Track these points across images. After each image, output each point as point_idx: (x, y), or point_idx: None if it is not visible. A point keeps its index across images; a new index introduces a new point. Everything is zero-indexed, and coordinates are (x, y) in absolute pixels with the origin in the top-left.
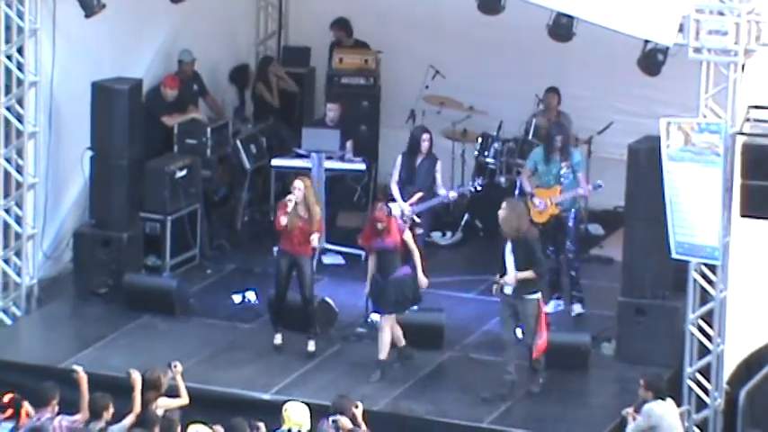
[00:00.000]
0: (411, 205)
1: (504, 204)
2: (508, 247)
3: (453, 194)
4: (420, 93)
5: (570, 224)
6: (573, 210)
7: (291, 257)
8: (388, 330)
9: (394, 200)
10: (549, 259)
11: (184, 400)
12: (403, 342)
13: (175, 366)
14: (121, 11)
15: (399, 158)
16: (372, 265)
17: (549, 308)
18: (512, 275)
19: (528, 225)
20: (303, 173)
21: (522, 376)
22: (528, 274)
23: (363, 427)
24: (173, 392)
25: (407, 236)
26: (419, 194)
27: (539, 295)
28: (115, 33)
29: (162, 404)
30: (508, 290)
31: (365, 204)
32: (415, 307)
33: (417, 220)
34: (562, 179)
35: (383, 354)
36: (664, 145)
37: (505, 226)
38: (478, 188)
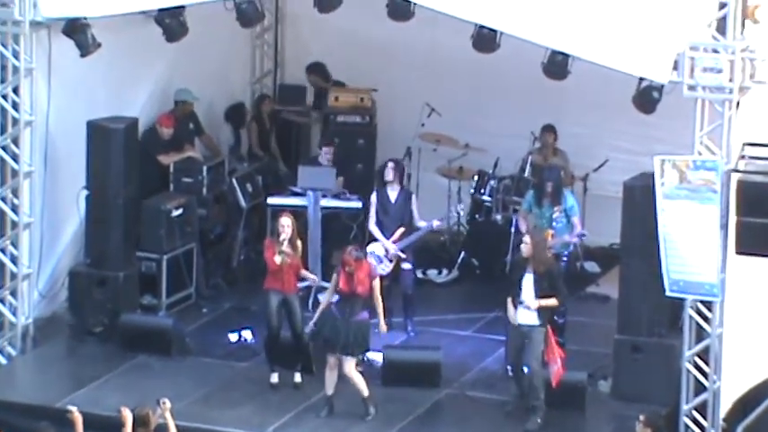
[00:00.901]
0: (394, 242)
1: (527, 239)
2: (528, 277)
3: (437, 223)
4: (416, 130)
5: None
6: (565, 253)
7: (281, 295)
8: (353, 375)
9: (376, 240)
10: None
11: None
12: (366, 392)
13: (164, 403)
14: (117, 50)
15: (373, 196)
16: (328, 301)
17: None
18: (534, 301)
19: (552, 256)
20: (286, 210)
21: (519, 412)
22: (551, 301)
23: None
24: (162, 430)
25: (376, 284)
26: (401, 230)
27: (547, 326)
28: (110, 72)
29: None
30: (524, 320)
31: (361, 242)
32: (363, 357)
33: (402, 255)
34: (554, 223)
35: (364, 391)
36: (658, 183)
37: (534, 261)
38: (460, 212)
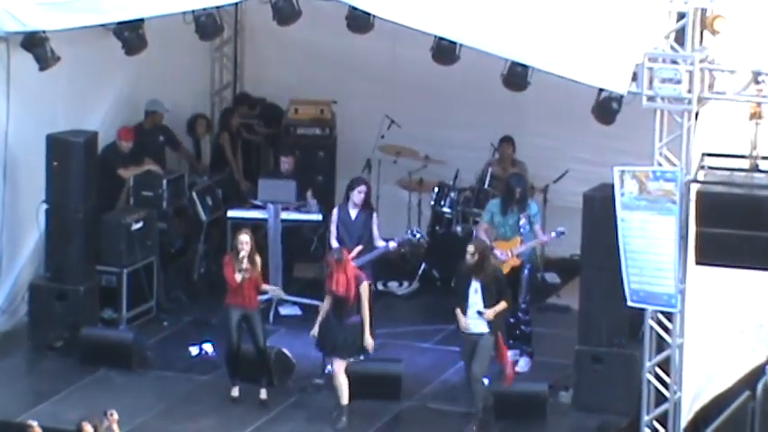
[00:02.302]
0: (351, 259)
1: (471, 248)
2: (475, 286)
3: (393, 245)
4: (376, 142)
5: (525, 277)
6: (529, 264)
7: (242, 311)
8: (342, 374)
9: None
10: (507, 314)
11: None
12: (345, 401)
13: (111, 415)
14: (76, 63)
15: (335, 212)
16: (326, 306)
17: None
18: (489, 311)
19: (495, 263)
20: (244, 225)
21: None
22: (501, 305)
23: None
24: None
25: (363, 289)
26: (358, 248)
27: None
28: (70, 86)
29: None
30: (477, 328)
31: (322, 255)
32: (362, 357)
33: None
34: (521, 229)
35: (344, 398)
36: (618, 193)
37: (480, 270)
38: (417, 235)
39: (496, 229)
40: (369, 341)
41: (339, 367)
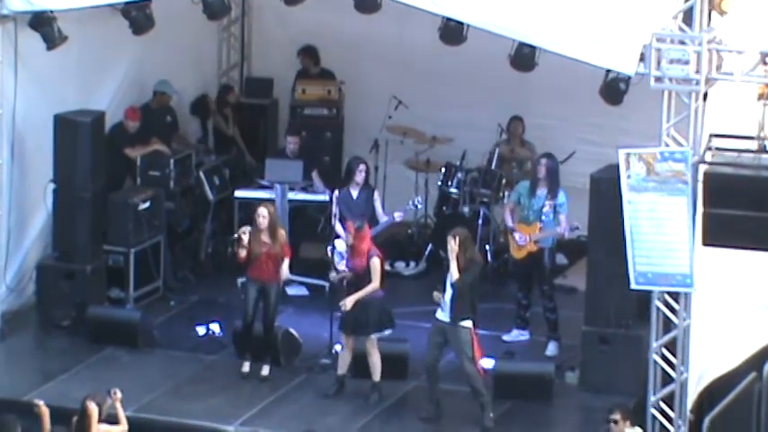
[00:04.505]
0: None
1: (453, 238)
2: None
3: (399, 215)
4: (383, 123)
5: (546, 263)
6: (548, 249)
7: (260, 284)
8: (375, 351)
9: (339, 236)
10: (520, 295)
11: (123, 427)
12: (377, 378)
13: (115, 393)
14: (84, 43)
15: (335, 194)
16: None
17: (511, 336)
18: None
19: (478, 255)
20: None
21: (475, 409)
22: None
23: None
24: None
25: (373, 263)
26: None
27: (470, 323)
28: (78, 65)
29: (101, 431)
30: (442, 316)
31: (329, 235)
32: (388, 331)
33: None
34: (543, 216)
35: (376, 376)
36: (624, 175)
37: (461, 257)
38: (419, 205)
39: (522, 210)
40: (348, 300)
41: (372, 344)
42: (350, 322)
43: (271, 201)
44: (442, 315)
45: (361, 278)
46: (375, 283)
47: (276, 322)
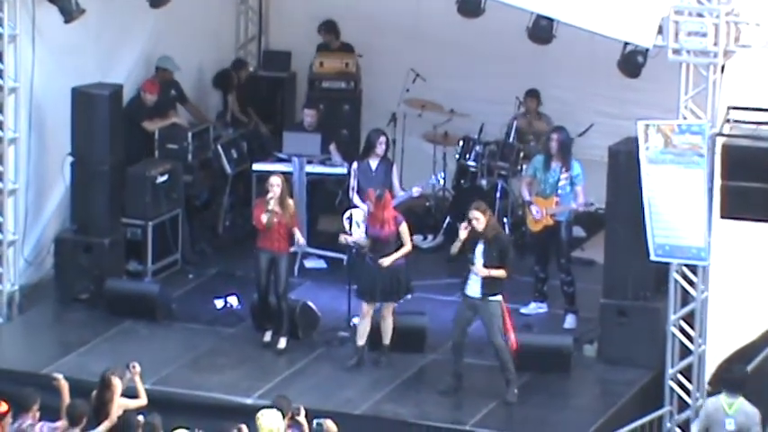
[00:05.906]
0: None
1: (474, 210)
2: (480, 248)
3: (417, 189)
4: (401, 96)
5: (563, 237)
6: (565, 221)
7: (270, 254)
8: (390, 318)
9: (356, 207)
10: (537, 268)
11: (143, 401)
12: (387, 342)
13: (134, 367)
14: (101, 16)
15: (354, 165)
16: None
17: (529, 309)
18: (481, 268)
19: (499, 226)
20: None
21: (499, 383)
22: (500, 272)
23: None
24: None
25: (403, 228)
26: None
27: (501, 297)
28: (96, 38)
29: (120, 404)
30: (472, 291)
31: (346, 208)
32: (408, 296)
33: None
34: (559, 190)
35: (387, 339)
36: (642, 147)
37: (484, 227)
38: (441, 180)
39: (538, 184)
40: (387, 260)
41: (389, 310)
42: (380, 289)
43: (289, 174)
44: (472, 291)
45: (383, 245)
46: (408, 245)
47: (294, 295)
